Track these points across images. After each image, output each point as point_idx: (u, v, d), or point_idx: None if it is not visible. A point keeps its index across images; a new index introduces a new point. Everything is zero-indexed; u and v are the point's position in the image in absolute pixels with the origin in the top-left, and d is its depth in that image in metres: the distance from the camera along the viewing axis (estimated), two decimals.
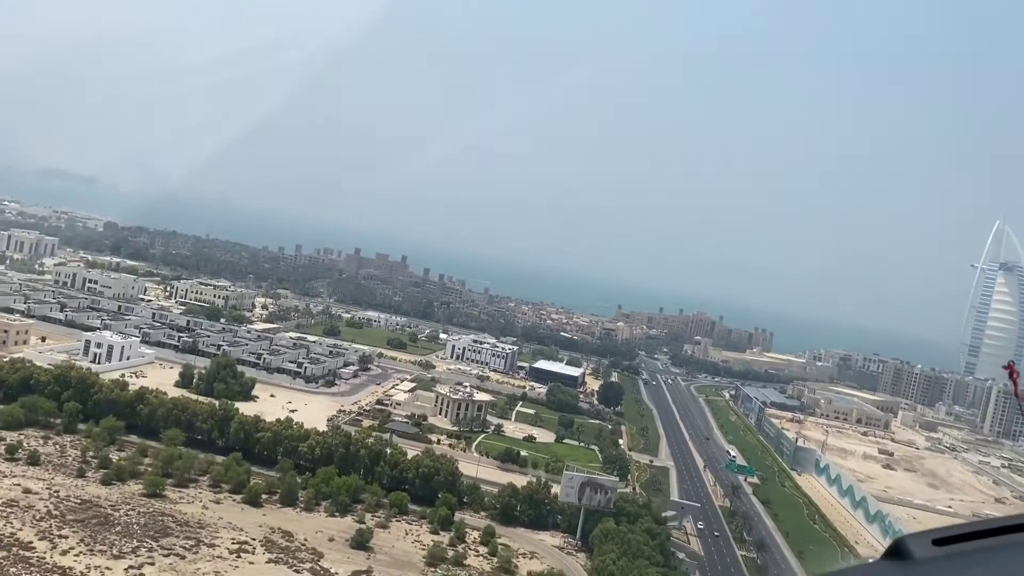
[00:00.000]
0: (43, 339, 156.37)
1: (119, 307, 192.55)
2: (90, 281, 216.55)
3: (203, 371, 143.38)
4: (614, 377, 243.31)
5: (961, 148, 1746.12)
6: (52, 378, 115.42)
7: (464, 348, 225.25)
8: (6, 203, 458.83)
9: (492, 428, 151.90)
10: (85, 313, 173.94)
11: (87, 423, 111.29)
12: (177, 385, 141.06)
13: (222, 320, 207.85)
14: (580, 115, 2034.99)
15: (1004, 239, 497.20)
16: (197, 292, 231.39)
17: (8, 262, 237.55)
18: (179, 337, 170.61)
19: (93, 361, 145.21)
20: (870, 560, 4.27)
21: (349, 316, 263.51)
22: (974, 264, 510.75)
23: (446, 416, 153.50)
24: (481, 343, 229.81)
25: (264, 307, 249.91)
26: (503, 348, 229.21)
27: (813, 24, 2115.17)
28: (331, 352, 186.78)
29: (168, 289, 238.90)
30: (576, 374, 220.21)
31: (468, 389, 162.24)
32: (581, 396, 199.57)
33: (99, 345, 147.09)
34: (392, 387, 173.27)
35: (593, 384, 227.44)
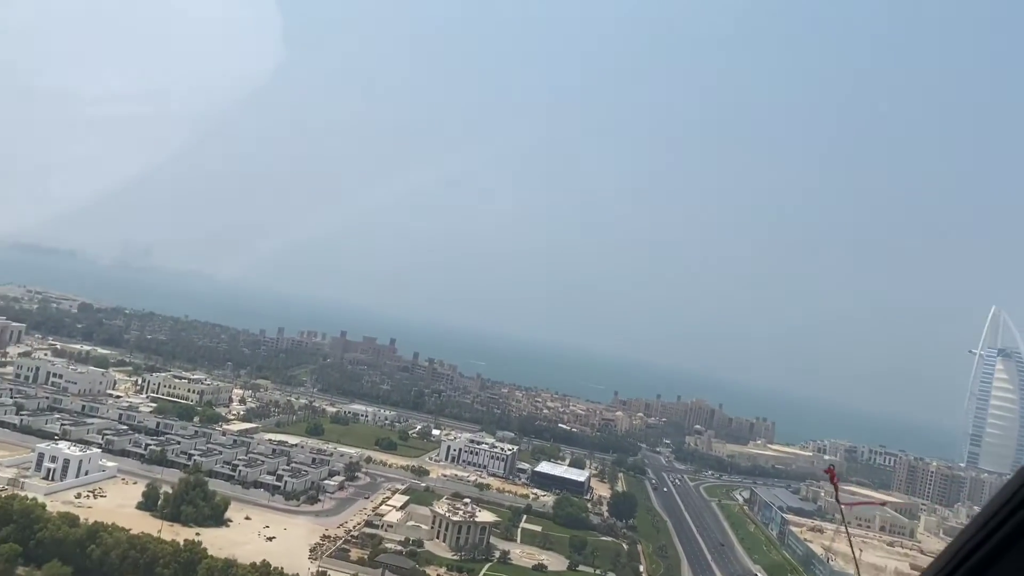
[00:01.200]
0: None
1: (84, 406, 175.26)
2: (54, 375, 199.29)
3: (170, 491, 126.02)
4: (621, 480, 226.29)
5: (960, 227, 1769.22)
6: None
7: (460, 449, 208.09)
8: None
9: (497, 555, 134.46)
10: (44, 417, 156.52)
11: (27, 566, 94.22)
12: (140, 507, 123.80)
13: (196, 419, 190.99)
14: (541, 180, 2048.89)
15: (1001, 325, 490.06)
16: (170, 387, 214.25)
17: None
18: (146, 445, 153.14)
19: (47, 477, 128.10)
20: None
21: (334, 411, 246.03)
22: (972, 350, 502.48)
23: (445, 540, 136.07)
24: (479, 444, 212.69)
25: (242, 401, 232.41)
26: (502, 449, 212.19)
27: (801, 107, 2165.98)
28: (314, 460, 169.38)
29: (140, 383, 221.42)
30: (582, 479, 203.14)
31: (469, 508, 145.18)
32: (589, 505, 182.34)
33: (54, 459, 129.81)
34: (383, 502, 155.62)
35: (600, 488, 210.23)
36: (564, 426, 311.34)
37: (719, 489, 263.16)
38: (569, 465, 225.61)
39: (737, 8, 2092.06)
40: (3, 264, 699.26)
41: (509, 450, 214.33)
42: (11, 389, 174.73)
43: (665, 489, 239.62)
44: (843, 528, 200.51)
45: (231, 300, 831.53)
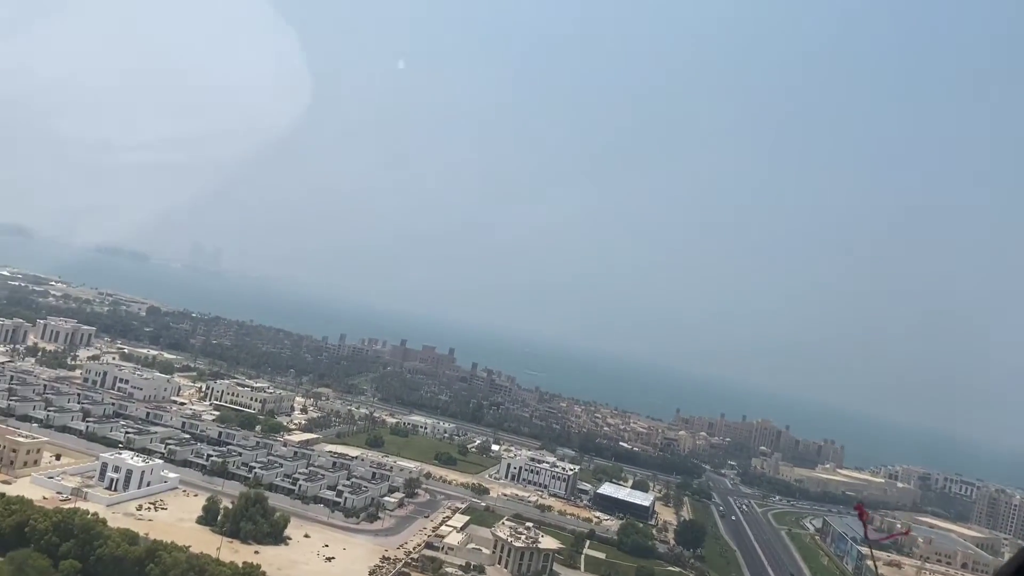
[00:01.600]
0: (58, 457, 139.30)
1: (148, 413, 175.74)
2: (121, 380, 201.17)
3: (230, 505, 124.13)
4: (686, 505, 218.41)
5: None
6: (51, 525, 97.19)
7: (520, 467, 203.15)
8: (53, 283, 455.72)
9: None
10: (109, 424, 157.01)
11: None
12: (200, 521, 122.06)
13: (258, 428, 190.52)
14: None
15: None
16: (233, 394, 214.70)
17: (39, 355, 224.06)
18: (208, 455, 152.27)
19: (109, 488, 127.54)
20: None
21: (394, 422, 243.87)
22: None
23: (506, 567, 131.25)
24: (539, 462, 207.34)
25: (304, 410, 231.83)
26: (563, 469, 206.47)
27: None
28: (374, 474, 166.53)
29: (203, 390, 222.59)
30: (646, 503, 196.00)
31: (531, 532, 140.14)
32: (654, 531, 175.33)
33: (117, 469, 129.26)
34: (443, 521, 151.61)
35: (664, 513, 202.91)
36: (625, 444, 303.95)
37: (788, 516, 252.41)
38: (632, 487, 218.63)
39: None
40: (81, 266, 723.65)
41: (570, 470, 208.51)
42: (79, 395, 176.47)
43: (733, 517, 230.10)
44: (925, 568, 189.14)
45: (295, 305, 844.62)
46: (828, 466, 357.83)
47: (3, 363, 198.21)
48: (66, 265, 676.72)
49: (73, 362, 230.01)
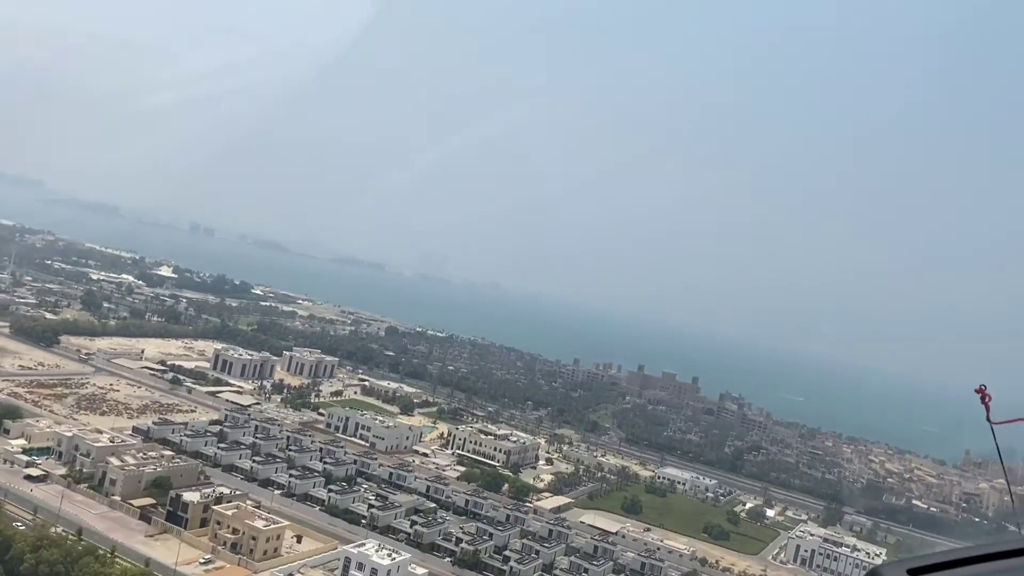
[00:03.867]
0: (299, 539, 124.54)
1: (391, 473, 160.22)
2: (363, 427, 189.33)
3: None
4: None
5: None
6: None
7: (812, 552, 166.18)
8: (300, 301, 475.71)
9: None
10: (351, 495, 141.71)
11: None
12: None
13: (505, 486, 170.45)
14: None
15: None
16: (476, 443, 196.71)
17: (284, 392, 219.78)
18: (457, 539, 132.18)
19: None
20: None
21: (648, 475, 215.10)
22: None
23: None
24: (837, 547, 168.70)
25: (549, 461, 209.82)
26: (867, 554, 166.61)
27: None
28: (643, 564, 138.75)
29: (445, 436, 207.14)
30: None
31: None
32: None
33: (360, 567, 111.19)
34: None
35: None
36: (919, 503, 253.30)
37: None
38: None
39: None
40: (323, 276, 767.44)
41: (875, 554, 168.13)
42: (321, 449, 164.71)
43: None
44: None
45: (520, 312, 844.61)
46: None
47: (250, 406, 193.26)
48: (311, 276, 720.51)
49: (317, 398, 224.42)
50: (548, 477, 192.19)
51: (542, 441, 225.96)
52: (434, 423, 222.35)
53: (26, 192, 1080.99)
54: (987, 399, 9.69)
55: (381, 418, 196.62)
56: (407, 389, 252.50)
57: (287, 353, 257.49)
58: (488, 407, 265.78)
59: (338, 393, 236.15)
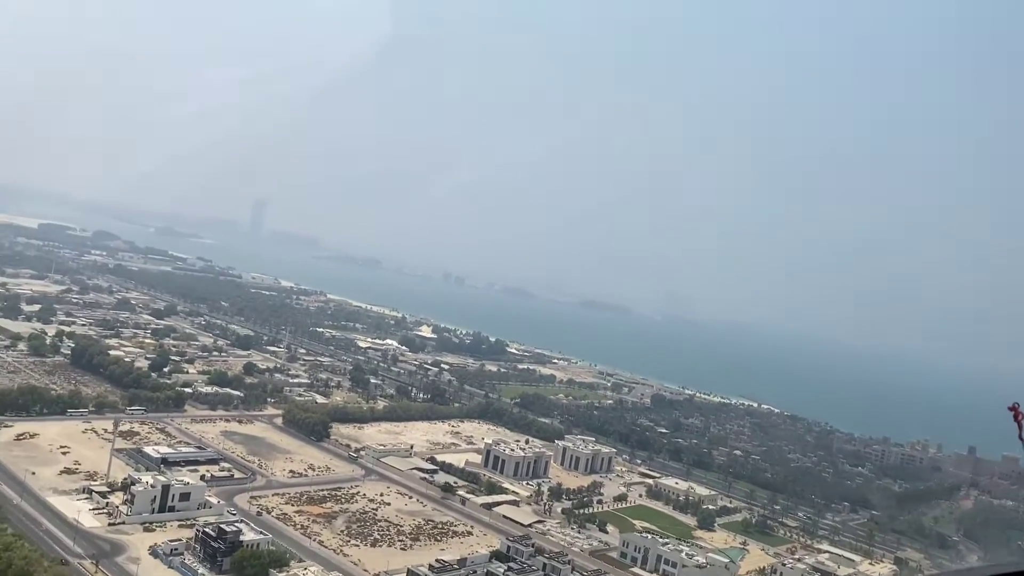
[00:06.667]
0: None
1: None
2: (666, 562, 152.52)
3: None
4: None
5: None
6: None
7: None
8: (556, 361, 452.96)
9: None
10: None
11: None
12: None
13: None
14: None
15: None
16: None
17: (563, 500, 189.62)
18: None
19: None
20: None
21: None
22: None
23: None
24: None
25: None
26: None
27: None
28: None
29: (767, 574, 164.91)
30: None
31: None
32: None
33: None
34: None
35: None
36: None
37: None
38: None
39: None
40: (571, 325, 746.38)
41: None
42: None
43: None
44: None
45: (776, 358, 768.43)
46: None
47: (530, 525, 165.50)
48: (561, 326, 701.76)
49: (600, 505, 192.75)
50: None
51: (887, 570, 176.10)
52: (744, 545, 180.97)
53: (304, 249, 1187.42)
54: (1020, 417, 9.81)
55: (687, 548, 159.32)
56: (699, 491, 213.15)
57: (559, 443, 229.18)
58: (798, 511, 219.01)
59: (622, 498, 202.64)
